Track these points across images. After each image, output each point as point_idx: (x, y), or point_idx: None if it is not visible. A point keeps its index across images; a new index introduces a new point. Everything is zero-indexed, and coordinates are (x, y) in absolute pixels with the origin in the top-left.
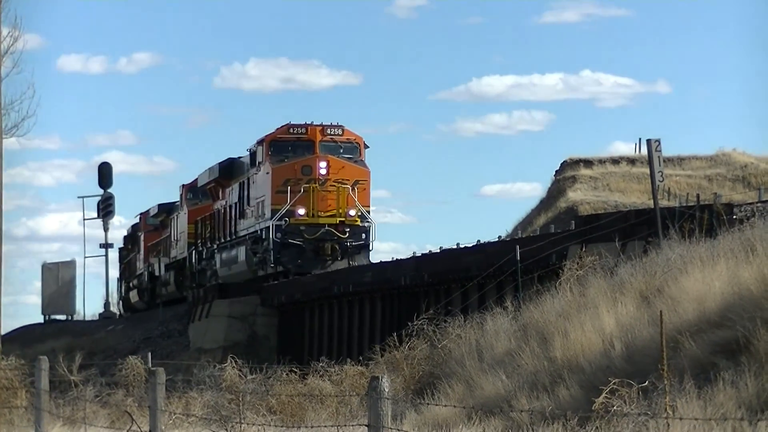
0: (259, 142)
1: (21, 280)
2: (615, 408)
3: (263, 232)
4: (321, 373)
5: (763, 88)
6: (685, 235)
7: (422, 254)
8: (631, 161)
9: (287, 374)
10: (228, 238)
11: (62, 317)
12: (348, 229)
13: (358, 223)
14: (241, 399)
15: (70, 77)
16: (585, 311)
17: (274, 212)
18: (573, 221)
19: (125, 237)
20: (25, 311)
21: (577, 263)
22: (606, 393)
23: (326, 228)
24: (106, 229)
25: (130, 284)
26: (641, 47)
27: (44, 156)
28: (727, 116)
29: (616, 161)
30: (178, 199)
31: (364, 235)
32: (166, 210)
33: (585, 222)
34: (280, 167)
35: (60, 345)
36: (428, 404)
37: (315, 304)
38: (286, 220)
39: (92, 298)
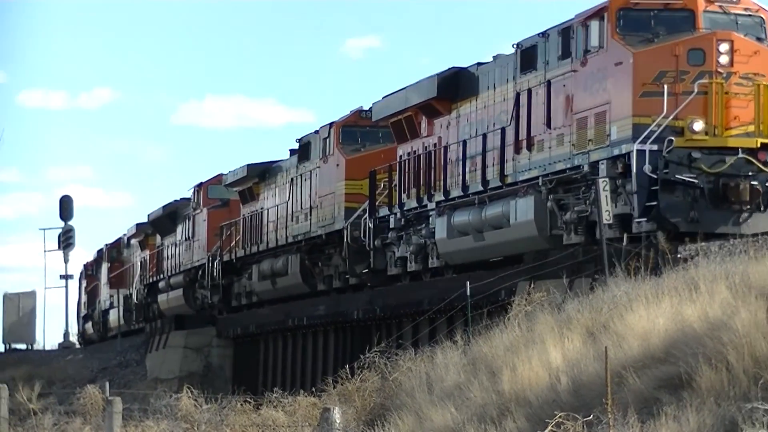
0: (593, 16)
1: None
2: None
3: (606, 166)
4: (275, 403)
5: None
6: (631, 273)
7: (375, 288)
8: None
9: (241, 404)
10: (474, 190)
11: (23, 346)
12: None
13: None
14: (196, 428)
15: (31, 112)
16: (533, 346)
17: (633, 129)
18: (522, 258)
19: (138, 225)
20: None
21: (526, 299)
22: (552, 426)
23: (740, 155)
24: (66, 261)
25: (160, 285)
26: None
27: (4, 188)
28: None
29: None
30: (290, 153)
31: None
32: (259, 173)
33: (534, 259)
34: (645, 52)
35: (20, 374)
36: None
37: (269, 336)
38: (669, 141)
39: (51, 328)
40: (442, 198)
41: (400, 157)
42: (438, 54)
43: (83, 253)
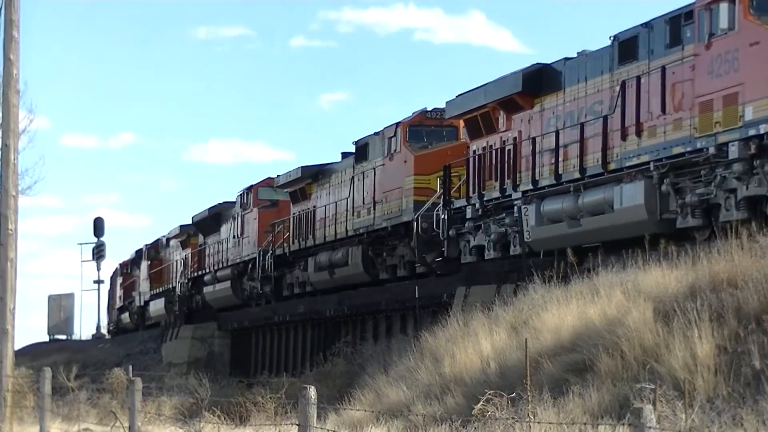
0: None
1: (29, 308)
2: (490, 413)
3: (738, 147)
4: (263, 383)
5: None
6: (546, 281)
7: (344, 291)
8: None
9: (237, 384)
10: (568, 178)
11: (63, 337)
12: None
13: None
14: (201, 402)
15: (70, 151)
16: (468, 338)
17: (757, 115)
18: (460, 269)
19: (182, 226)
20: (33, 332)
21: (463, 301)
22: (483, 401)
23: None
24: (98, 269)
25: (206, 279)
26: None
27: (48, 212)
28: None
29: None
30: (342, 156)
31: None
32: (312, 174)
33: (469, 269)
34: None
35: (61, 359)
36: (346, 408)
37: (260, 329)
38: None
39: (86, 323)
40: (530, 187)
41: (474, 151)
42: (394, 104)
43: (112, 262)
